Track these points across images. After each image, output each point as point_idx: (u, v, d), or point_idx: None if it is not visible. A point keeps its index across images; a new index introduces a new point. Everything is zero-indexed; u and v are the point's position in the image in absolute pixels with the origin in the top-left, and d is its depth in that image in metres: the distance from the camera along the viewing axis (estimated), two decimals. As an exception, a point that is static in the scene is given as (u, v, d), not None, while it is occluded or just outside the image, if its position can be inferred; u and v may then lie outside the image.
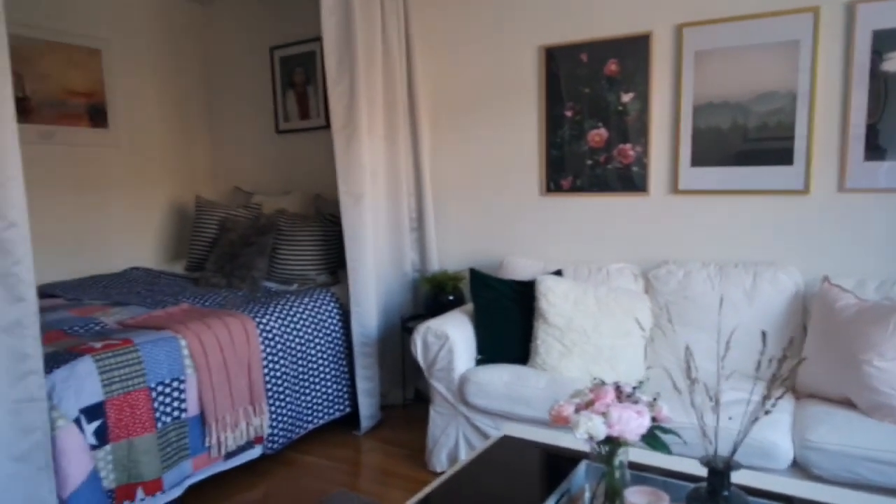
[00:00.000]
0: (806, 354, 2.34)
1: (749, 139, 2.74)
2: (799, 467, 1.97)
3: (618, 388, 1.34)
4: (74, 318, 2.67)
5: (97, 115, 3.76)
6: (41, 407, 1.87)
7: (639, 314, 2.61)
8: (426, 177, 3.46)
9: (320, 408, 3.01)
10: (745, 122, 2.74)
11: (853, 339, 2.11)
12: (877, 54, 2.48)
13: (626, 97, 2.99)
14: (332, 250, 3.43)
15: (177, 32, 4.23)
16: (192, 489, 2.48)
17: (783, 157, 2.68)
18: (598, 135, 3.07)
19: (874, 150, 2.52)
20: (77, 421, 2.03)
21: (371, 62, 3.08)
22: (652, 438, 1.27)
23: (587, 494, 1.37)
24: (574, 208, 3.17)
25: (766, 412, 1.26)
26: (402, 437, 3.05)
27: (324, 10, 2.91)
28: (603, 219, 3.10)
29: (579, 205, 3.15)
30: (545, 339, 2.54)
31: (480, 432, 2.55)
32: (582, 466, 1.51)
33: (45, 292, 3.20)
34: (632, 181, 3.01)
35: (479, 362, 2.68)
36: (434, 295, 3.29)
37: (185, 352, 2.41)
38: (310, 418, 2.96)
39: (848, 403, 2.13)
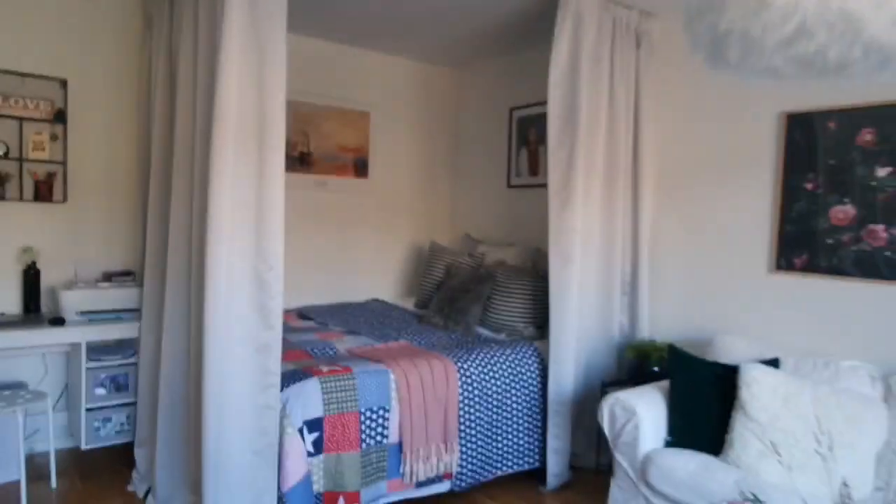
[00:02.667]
0: None
1: None
2: None
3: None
4: (317, 340, 3.21)
5: (361, 167, 4.46)
6: (275, 415, 2.32)
7: (869, 424, 2.26)
8: (643, 243, 3.41)
9: (510, 457, 3.13)
10: None
11: None
12: None
13: (882, 171, 2.62)
14: (541, 305, 3.55)
15: (431, 94, 4.81)
16: (386, 508, 2.79)
17: None
18: (843, 212, 2.74)
19: None
20: (301, 430, 2.46)
21: (593, 132, 3.16)
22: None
23: None
24: (806, 290, 2.85)
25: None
26: (586, 501, 3.02)
27: (551, 82, 3.10)
28: (840, 307, 2.73)
29: (813, 287, 2.83)
30: (742, 433, 2.33)
31: (661, 519, 2.43)
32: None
33: (303, 314, 3.88)
34: (880, 268, 2.62)
35: (668, 444, 2.56)
36: (638, 364, 3.22)
37: (393, 385, 2.75)
38: (499, 465, 3.10)
39: None
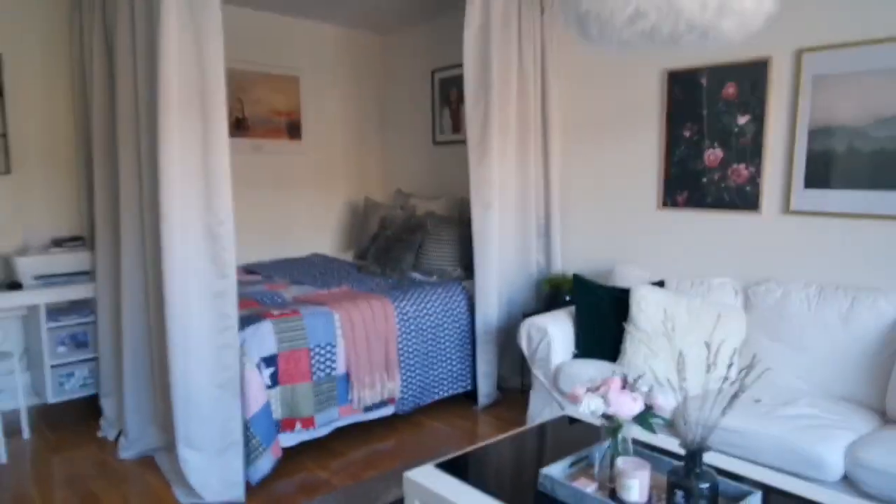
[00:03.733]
0: (892, 381, 2.38)
1: (867, 163, 2.75)
2: (850, 482, 2.09)
3: (624, 379, 1.68)
4: (265, 291, 3.51)
5: (293, 130, 4.69)
6: (235, 352, 2.63)
7: (730, 327, 2.79)
8: (554, 189, 3.84)
9: (445, 382, 3.56)
10: (862, 146, 2.75)
11: (930, 369, 2.15)
12: None
13: (743, 119, 3.11)
14: (467, 249, 3.94)
15: (358, 59, 5.04)
16: (338, 431, 3.17)
17: (900, 182, 2.67)
18: (714, 154, 3.23)
19: None
20: (258, 366, 2.78)
21: (505, 91, 3.53)
22: (642, 419, 1.61)
23: (597, 459, 1.73)
24: (687, 223, 3.35)
25: (724, 413, 1.53)
26: (513, 415, 3.50)
27: (465, 45, 3.43)
28: (713, 234, 3.25)
29: (692, 220, 3.33)
30: (633, 342, 2.83)
31: (570, 417, 2.92)
32: (606, 442, 1.86)
33: (249, 270, 4.15)
34: (744, 200, 3.13)
35: (575, 356, 3.04)
36: (553, 294, 3.68)
37: (338, 324, 3.10)
38: (436, 389, 3.52)
39: (925, 432, 2.17)
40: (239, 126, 4.36)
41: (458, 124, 4.58)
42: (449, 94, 4.61)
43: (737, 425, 2.28)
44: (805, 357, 2.68)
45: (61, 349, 3.33)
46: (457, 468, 1.91)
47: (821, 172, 2.88)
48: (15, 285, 3.17)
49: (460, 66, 4.42)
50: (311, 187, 4.85)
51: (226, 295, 2.59)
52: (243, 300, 3.20)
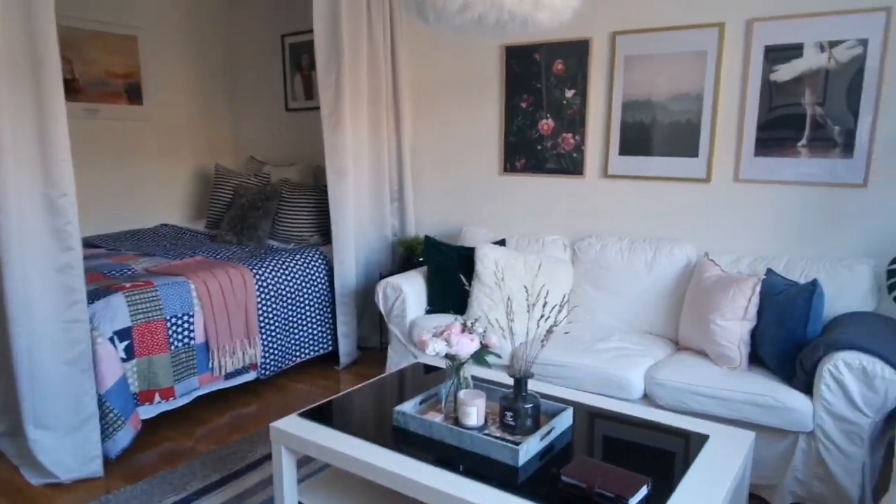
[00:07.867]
0: (684, 316, 2.89)
1: (665, 133, 3.23)
2: (648, 398, 2.55)
3: (464, 324, 1.94)
4: (112, 264, 3.38)
5: (134, 94, 4.44)
6: (84, 327, 2.57)
7: (559, 278, 3.18)
8: (406, 156, 4.04)
9: (307, 344, 3.69)
10: (662, 119, 3.22)
11: (707, 302, 2.65)
12: (768, 65, 2.93)
13: (570, 93, 3.49)
14: (324, 216, 4.05)
15: (202, 20, 4.84)
16: (200, 400, 3.20)
17: (691, 150, 3.17)
18: (547, 124, 3.59)
19: (763, 146, 2.99)
20: (111, 339, 2.73)
21: (356, 60, 3.63)
22: (478, 357, 1.88)
23: (443, 395, 1.99)
24: (524, 186, 3.71)
25: (543, 345, 1.84)
26: (373, 371, 3.71)
27: (315, 13, 3.47)
28: (547, 196, 3.64)
29: (529, 183, 3.70)
30: (478, 295, 3.13)
31: (425, 367, 3.19)
32: (451, 380, 2.12)
33: (90, 243, 3.94)
34: (572, 165, 3.54)
35: (428, 312, 3.30)
36: (407, 256, 3.91)
37: (194, 294, 3.10)
38: (297, 352, 3.64)
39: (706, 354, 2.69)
40: (68, 88, 4.04)
41: (310, 91, 4.60)
42: (300, 60, 4.60)
43: (560, 359, 2.67)
44: (619, 300, 3.14)
45: None
46: (321, 415, 2.09)
47: (632, 141, 3.33)
48: None
49: (311, 31, 4.47)
50: (156, 154, 4.64)
51: (71, 269, 2.51)
52: (89, 274, 3.09)
